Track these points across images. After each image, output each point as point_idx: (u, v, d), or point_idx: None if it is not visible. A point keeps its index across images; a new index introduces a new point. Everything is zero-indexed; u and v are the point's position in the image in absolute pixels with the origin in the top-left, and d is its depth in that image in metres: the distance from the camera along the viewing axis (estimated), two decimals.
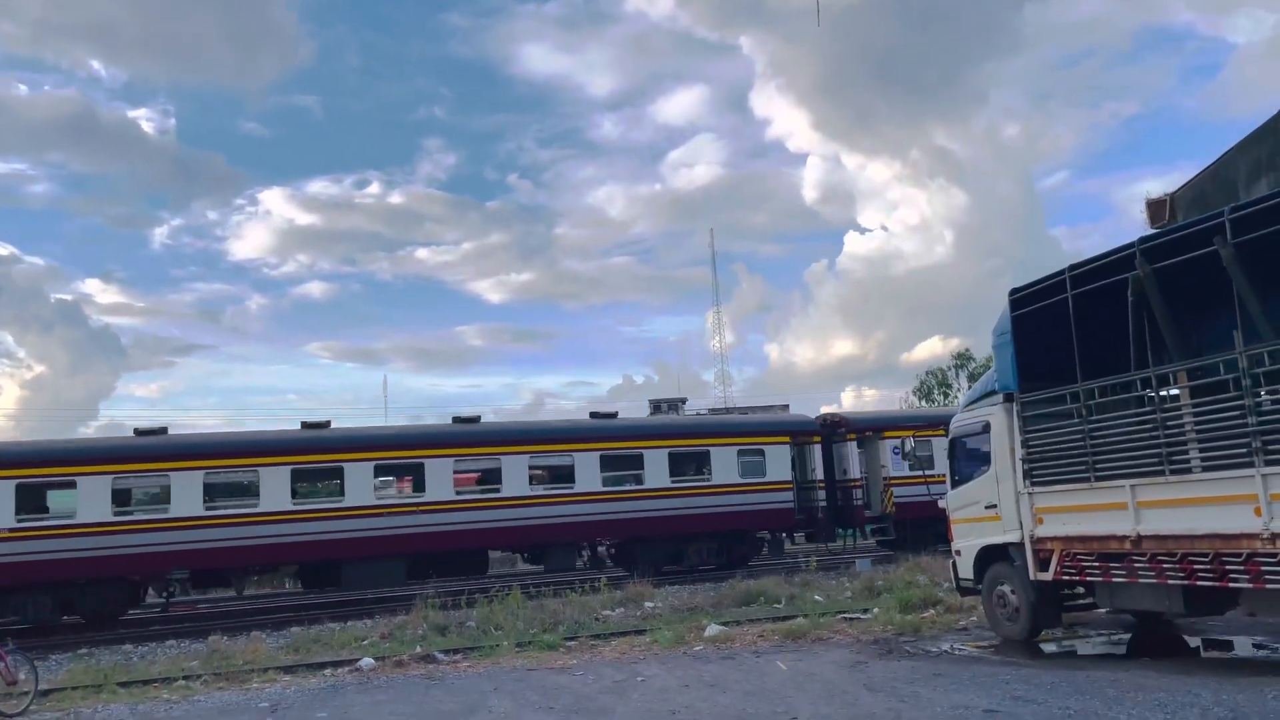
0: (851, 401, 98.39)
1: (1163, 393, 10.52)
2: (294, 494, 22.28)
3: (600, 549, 26.10)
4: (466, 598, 18.48)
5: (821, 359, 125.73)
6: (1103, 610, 12.33)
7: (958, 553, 13.31)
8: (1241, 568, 9.01)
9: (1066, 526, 11.10)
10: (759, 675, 10.93)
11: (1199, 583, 9.52)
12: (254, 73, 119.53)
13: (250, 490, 22.04)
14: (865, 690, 9.68)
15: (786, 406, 31.72)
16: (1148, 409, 10.33)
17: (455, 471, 23.52)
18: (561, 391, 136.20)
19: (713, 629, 14.35)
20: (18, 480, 20.26)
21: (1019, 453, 11.76)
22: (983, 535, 12.63)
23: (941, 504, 13.87)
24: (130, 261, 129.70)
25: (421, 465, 23.21)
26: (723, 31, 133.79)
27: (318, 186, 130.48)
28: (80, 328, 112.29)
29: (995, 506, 12.30)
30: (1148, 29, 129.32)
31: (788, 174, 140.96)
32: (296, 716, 10.06)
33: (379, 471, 23.17)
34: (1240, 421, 8.96)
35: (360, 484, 22.53)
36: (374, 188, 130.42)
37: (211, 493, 21.74)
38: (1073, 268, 11.14)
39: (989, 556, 12.56)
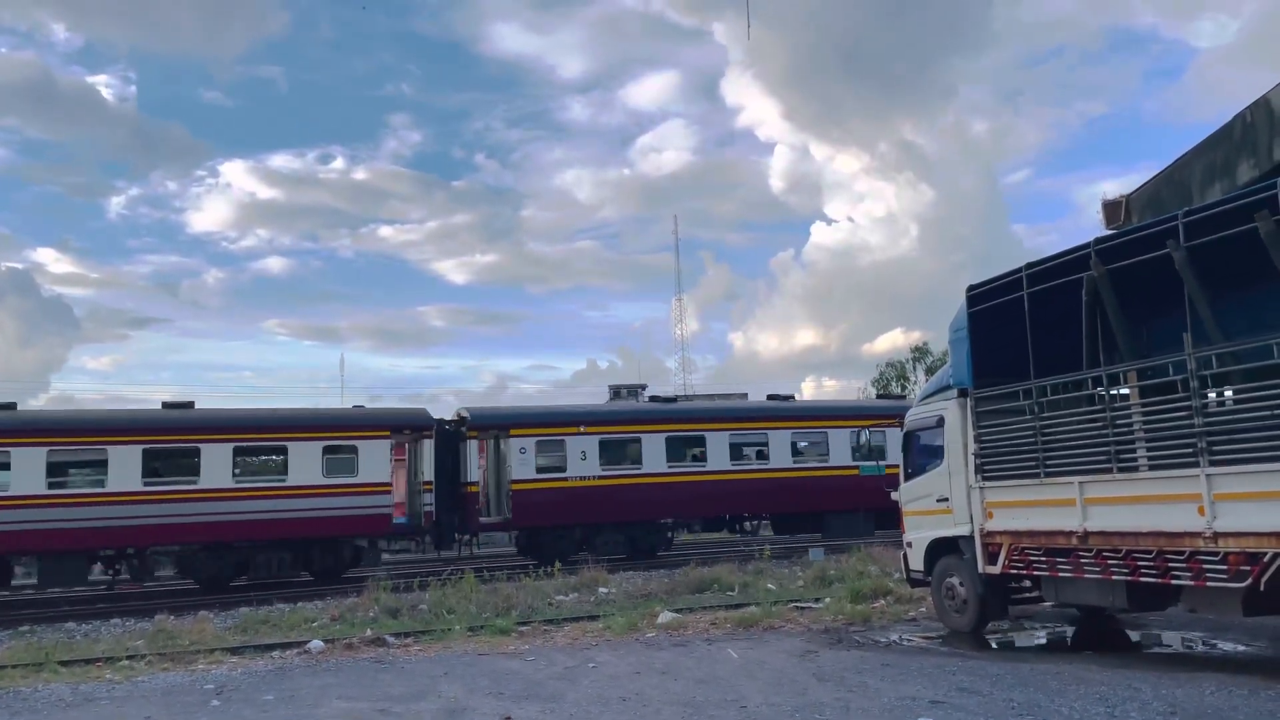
0: (812, 391, 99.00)
1: (1113, 392, 10.70)
2: None
3: None
4: (419, 580, 18.40)
5: (784, 348, 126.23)
6: (1048, 604, 12.54)
7: (909, 545, 13.48)
8: (1184, 565, 9.20)
9: (1015, 521, 11.26)
10: (710, 663, 10.98)
11: (1142, 579, 9.71)
12: (221, 41, 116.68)
13: None
14: (815, 680, 9.76)
15: (745, 395, 31.73)
16: (1098, 408, 10.50)
17: None
18: (524, 375, 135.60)
19: (666, 616, 14.40)
20: None
21: (971, 448, 11.90)
22: (934, 528, 12.79)
23: (894, 496, 14.02)
24: (85, 231, 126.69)
25: None
26: (696, 17, 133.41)
27: (280, 160, 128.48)
28: (32, 297, 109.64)
29: (947, 500, 12.45)
30: (1116, 30, 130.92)
31: (756, 163, 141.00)
32: (242, 699, 9.92)
33: None
34: (1187, 422, 9.13)
35: None
36: (338, 163, 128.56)
37: None
38: (1029, 266, 11.27)
39: (939, 549, 12.73)
